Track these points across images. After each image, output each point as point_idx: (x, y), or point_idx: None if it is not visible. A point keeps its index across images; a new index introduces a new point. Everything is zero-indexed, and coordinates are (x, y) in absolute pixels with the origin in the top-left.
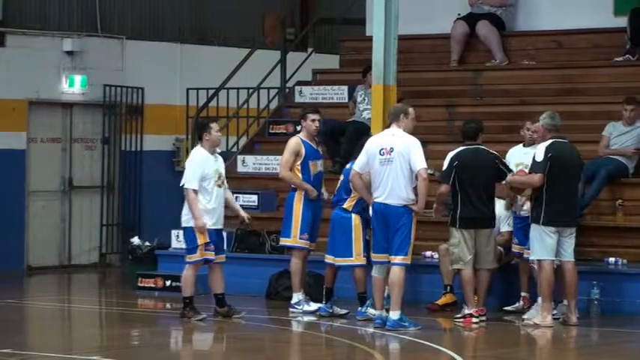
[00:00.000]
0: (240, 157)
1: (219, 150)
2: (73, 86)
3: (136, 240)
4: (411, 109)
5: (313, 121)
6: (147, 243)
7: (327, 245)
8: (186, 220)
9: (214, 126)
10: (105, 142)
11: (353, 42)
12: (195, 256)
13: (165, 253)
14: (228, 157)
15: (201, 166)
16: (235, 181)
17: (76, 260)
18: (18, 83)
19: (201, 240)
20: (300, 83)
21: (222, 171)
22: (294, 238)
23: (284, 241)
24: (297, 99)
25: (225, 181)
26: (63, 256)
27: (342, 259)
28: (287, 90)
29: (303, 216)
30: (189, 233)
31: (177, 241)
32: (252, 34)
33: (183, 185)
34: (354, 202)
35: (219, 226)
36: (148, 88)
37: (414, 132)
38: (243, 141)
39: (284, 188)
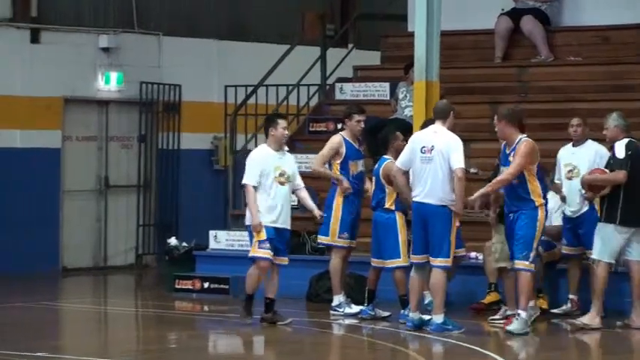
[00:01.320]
0: None
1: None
2: (109, 83)
3: (173, 241)
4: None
5: (359, 122)
6: (184, 244)
7: (370, 247)
8: (247, 217)
9: (281, 122)
10: (141, 140)
11: (394, 38)
12: (251, 253)
13: (203, 254)
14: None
15: (259, 163)
16: None
17: (111, 261)
18: (53, 80)
19: (256, 237)
20: (340, 80)
21: (289, 168)
22: (333, 237)
23: (323, 240)
24: (338, 96)
25: (297, 179)
26: (98, 257)
27: (390, 260)
28: (327, 87)
29: (343, 214)
30: (250, 231)
31: (215, 241)
32: (291, 30)
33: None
34: (393, 199)
35: (281, 225)
36: (185, 85)
37: (454, 129)
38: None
39: (325, 187)
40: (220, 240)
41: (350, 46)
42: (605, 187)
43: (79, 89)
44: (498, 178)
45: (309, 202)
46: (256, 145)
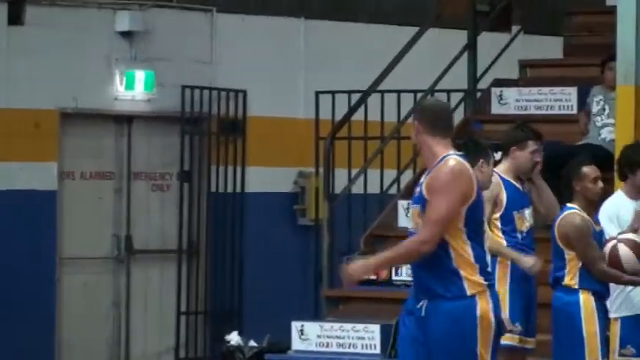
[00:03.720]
0: (402, 204)
1: None
2: (132, 88)
3: (234, 337)
4: None
5: (533, 153)
6: (251, 342)
7: (551, 348)
8: None
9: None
10: (184, 178)
11: (584, 16)
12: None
13: (282, 358)
14: (383, 200)
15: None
16: (394, 238)
17: None
18: (44, 84)
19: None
20: (499, 83)
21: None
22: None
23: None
24: (496, 108)
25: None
26: None
27: None
28: (479, 94)
29: (512, 298)
30: None
31: (300, 339)
32: (419, 5)
33: None
34: (577, 272)
35: None
36: (254, 92)
37: None
38: (406, 176)
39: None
40: (308, 336)
41: (514, 29)
42: None
43: (84, 97)
44: None
45: None
46: (365, 186)
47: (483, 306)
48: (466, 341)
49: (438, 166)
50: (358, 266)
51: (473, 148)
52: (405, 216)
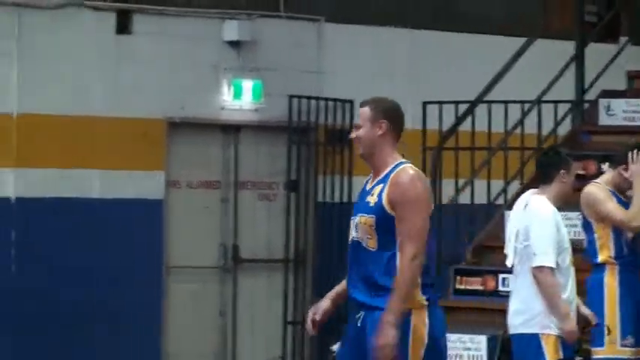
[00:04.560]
0: (509, 214)
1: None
2: (239, 98)
3: (339, 347)
4: None
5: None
6: None
7: None
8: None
9: (576, 165)
10: (291, 188)
11: None
12: None
13: None
14: (491, 212)
15: (555, 228)
16: (501, 249)
17: None
18: (152, 93)
19: (553, 356)
20: (607, 94)
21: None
22: (612, 346)
23: (597, 353)
24: (604, 119)
25: None
26: None
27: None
28: (586, 105)
29: (623, 306)
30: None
31: None
32: (524, 15)
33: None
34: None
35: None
36: (360, 101)
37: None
38: (513, 187)
39: (587, 266)
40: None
41: (622, 40)
42: None
43: (191, 107)
44: None
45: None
46: (472, 196)
47: (416, 321)
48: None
49: (399, 177)
50: (385, 336)
51: (555, 158)
52: None
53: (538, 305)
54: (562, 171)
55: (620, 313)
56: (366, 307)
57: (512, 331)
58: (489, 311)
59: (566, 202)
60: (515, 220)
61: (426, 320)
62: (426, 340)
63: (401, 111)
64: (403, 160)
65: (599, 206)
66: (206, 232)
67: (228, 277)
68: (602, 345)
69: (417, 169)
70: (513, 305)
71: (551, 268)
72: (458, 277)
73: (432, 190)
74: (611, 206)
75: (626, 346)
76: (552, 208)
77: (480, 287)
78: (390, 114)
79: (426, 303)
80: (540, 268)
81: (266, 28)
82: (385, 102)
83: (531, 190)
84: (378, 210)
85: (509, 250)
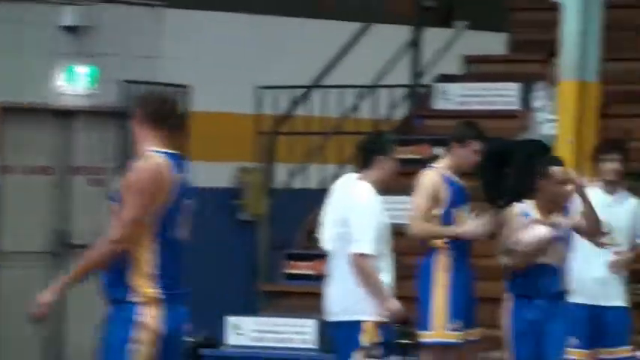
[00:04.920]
0: None
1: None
2: (74, 83)
3: None
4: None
5: (475, 152)
6: (188, 337)
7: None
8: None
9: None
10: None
11: (529, 12)
12: None
13: (217, 353)
14: (324, 196)
15: (374, 214)
16: None
17: None
18: None
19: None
20: (443, 78)
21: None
22: (440, 330)
23: (425, 337)
24: (439, 104)
25: None
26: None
27: None
28: (422, 89)
29: (452, 290)
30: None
31: (235, 334)
32: (362, 0)
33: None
34: None
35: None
36: (197, 87)
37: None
38: (348, 172)
39: (416, 249)
40: (244, 331)
41: (458, 24)
42: None
43: (27, 92)
44: None
45: None
46: (306, 181)
47: (144, 315)
48: (121, 346)
49: (132, 164)
50: (46, 294)
51: (376, 142)
52: None
53: (358, 291)
54: (382, 156)
55: (448, 297)
56: (105, 298)
57: (332, 317)
58: (319, 295)
59: (387, 187)
60: (334, 205)
61: (158, 315)
62: (154, 336)
63: (162, 101)
64: (158, 149)
65: (415, 195)
66: (39, 218)
67: (60, 263)
68: (429, 329)
69: (159, 159)
70: (332, 291)
71: (370, 255)
72: (289, 262)
73: (165, 184)
74: (418, 206)
75: (454, 330)
76: (372, 193)
77: (311, 272)
78: (143, 103)
79: (159, 297)
80: (359, 254)
81: (104, 14)
82: (149, 93)
83: (351, 175)
84: (119, 196)
85: (325, 233)
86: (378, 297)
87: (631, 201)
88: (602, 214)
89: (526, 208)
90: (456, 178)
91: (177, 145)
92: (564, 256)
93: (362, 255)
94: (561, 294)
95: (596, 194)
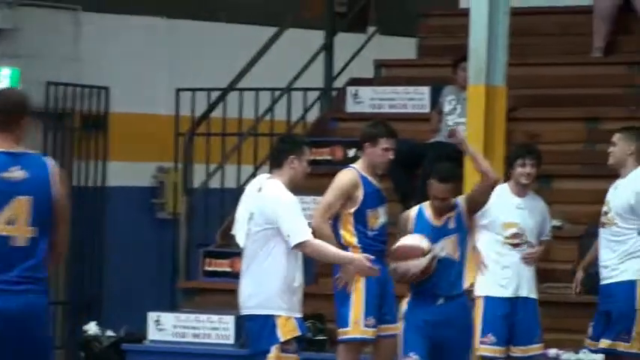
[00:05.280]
0: None
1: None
2: None
3: (92, 327)
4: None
5: (386, 150)
6: (109, 332)
7: None
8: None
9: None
10: None
11: (438, 18)
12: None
13: (138, 348)
14: (240, 196)
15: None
16: None
17: None
18: None
19: (287, 335)
20: (355, 82)
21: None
22: (357, 326)
23: (342, 334)
24: (351, 107)
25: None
26: None
27: None
28: (335, 92)
29: (368, 289)
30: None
31: (156, 329)
32: (279, 5)
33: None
34: None
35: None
36: (116, 89)
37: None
38: (263, 172)
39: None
40: (165, 327)
41: (370, 29)
42: None
43: None
44: None
45: None
46: (223, 181)
47: None
48: None
49: None
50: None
51: (287, 144)
52: None
53: (272, 287)
54: (292, 157)
55: (363, 294)
56: None
57: (246, 312)
58: (237, 292)
59: (297, 187)
60: (248, 203)
61: None
62: None
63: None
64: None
65: (328, 190)
66: None
67: None
68: (347, 325)
69: None
70: (246, 287)
71: (309, 238)
72: (207, 260)
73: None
74: (325, 201)
75: (368, 326)
76: (287, 190)
77: (229, 269)
78: None
79: None
80: (302, 243)
81: (26, 17)
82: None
83: (264, 175)
84: None
85: (239, 231)
86: (341, 259)
87: (539, 202)
88: (512, 216)
89: (422, 209)
90: (372, 180)
91: (10, 141)
92: (462, 253)
93: (304, 242)
94: (459, 294)
95: (506, 196)
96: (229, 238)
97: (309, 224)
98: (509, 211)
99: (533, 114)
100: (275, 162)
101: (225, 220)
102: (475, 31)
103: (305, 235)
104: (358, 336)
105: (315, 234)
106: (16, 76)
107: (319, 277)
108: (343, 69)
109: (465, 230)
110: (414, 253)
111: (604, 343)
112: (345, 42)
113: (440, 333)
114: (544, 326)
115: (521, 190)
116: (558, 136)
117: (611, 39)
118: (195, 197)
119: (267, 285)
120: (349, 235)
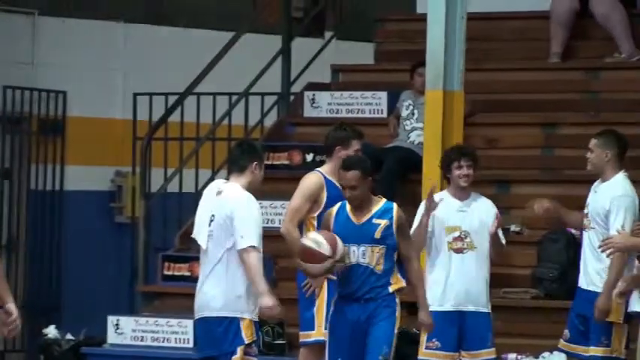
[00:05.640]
0: None
1: None
2: None
3: (51, 331)
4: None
5: (358, 152)
6: (68, 336)
7: None
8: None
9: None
10: (4, 176)
11: (396, 23)
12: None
13: (97, 352)
14: (198, 200)
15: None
16: None
17: None
18: None
19: (250, 338)
20: (312, 87)
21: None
22: (320, 329)
23: (305, 337)
24: (308, 111)
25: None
26: None
27: None
28: (292, 97)
29: (330, 293)
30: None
31: (115, 332)
32: (236, 10)
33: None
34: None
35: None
36: (73, 93)
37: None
38: (221, 176)
39: (288, 251)
40: (124, 330)
41: (327, 34)
42: None
43: None
44: None
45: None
46: (181, 185)
47: None
48: None
49: None
50: None
51: (247, 150)
52: None
53: (238, 289)
54: (254, 162)
55: (325, 298)
56: None
57: (208, 314)
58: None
59: (254, 192)
60: (208, 206)
61: None
62: None
63: None
64: None
65: (294, 195)
66: None
67: None
68: (312, 328)
69: None
70: (211, 288)
71: (257, 249)
72: (166, 264)
73: None
74: (292, 205)
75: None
76: (247, 194)
77: (188, 273)
78: None
79: None
80: (248, 249)
81: None
82: None
83: (220, 180)
84: None
85: (201, 234)
86: (259, 288)
87: (482, 202)
88: (453, 220)
89: (343, 205)
90: (337, 184)
91: None
92: (389, 267)
93: (250, 248)
94: (385, 295)
95: (447, 201)
96: (188, 242)
97: (280, 230)
98: (450, 215)
99: (491, 119)
100: (236, 167)
101: (184, 225)
102: (432, 36)
103: (253, 241)
104: (322, 338)
105: (286, 239)
106: None
107: (278, 282)
108: (300, 74)
109: (393, 242)
110: (315, 259)
111: (594, 350)
112: (303, 47)
113: (363, 328)
114: (502, 331)
115: (461, 193)
116: (516, 141)
117: (568, 44)
118: (154, 201)
119: (234, 287)
120: None
